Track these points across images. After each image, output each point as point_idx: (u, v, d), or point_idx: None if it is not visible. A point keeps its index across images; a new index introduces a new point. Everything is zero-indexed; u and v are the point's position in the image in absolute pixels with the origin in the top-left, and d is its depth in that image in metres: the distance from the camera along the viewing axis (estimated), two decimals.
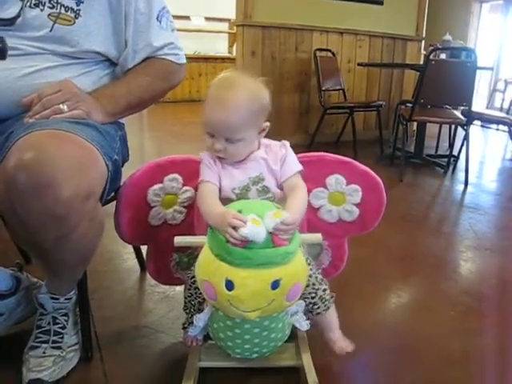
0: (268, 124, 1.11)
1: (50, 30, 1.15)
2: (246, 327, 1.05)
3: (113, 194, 1.23)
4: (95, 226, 1.05)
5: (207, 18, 8.81)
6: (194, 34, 8.57)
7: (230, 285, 0.94)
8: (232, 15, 5.12)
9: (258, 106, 1.07)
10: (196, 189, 1.23)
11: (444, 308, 1.66)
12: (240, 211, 0.96)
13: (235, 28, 4.81)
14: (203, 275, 1.00)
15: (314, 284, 1.22)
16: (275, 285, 0.95)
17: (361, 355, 1.38)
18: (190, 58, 8.00)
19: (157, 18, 1.29)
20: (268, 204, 1.03)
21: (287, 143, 1.15)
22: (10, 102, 1.13)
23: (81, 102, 1.12)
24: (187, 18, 8.50)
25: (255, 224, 0.92)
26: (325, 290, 1.24)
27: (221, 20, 8.95)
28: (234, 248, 0.93)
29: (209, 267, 0.98)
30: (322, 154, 1.30)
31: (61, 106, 1.08)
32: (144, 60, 1.30)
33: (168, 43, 1.32)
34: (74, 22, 1.17)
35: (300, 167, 1.13)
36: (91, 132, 1.07)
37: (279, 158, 1.13)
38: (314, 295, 1.21)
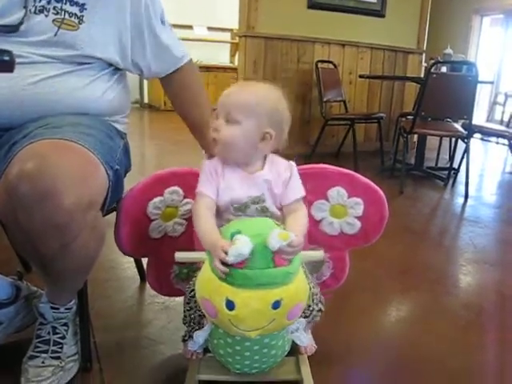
0: (272, 133, 1.08)
1: (55, 35, 1.15)
2: (246, 344, 1.05)
3: (114, 204, 1.23)
4: (96, 235, 1.05)
5: (209, 28, 8.85)
6: (196, 44, 8.59)
7: (230, 305, 0.94)
8: (234, 25, 5.16)
9: (268, 107, 1.07)
10: None
11: (444, 322, 1.65)
12: (239, 232, 0.96)
13: (237, 38, 4.84)
14: (204, 293, 1.00)
15: (309, 306, 1.21)
16: (276, 305, 0.95)
17: (361, 369, 1.39)
18: None
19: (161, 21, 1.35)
20: (269, 222, 1.03)
21: (294, 165, 1.14)
22: (14, 111, 1.13)
23: None
24: (190, 27, 8.55)
25: (236, 247, 0.92)
26: (320, 311, 1.25)
27: (223, 30, 8.99)
28: (235, 269, 0.93)
29: (209, 286, 0.98)
30: (324, 166, 1.30)
31: None
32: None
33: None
34: (78, 28, 1.18)
35: (302, 193, 1.13)
36: (92, 141, 1.07)
37: (282, 181, 1.12)
38: (307, 315, 1.21)
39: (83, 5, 1.18)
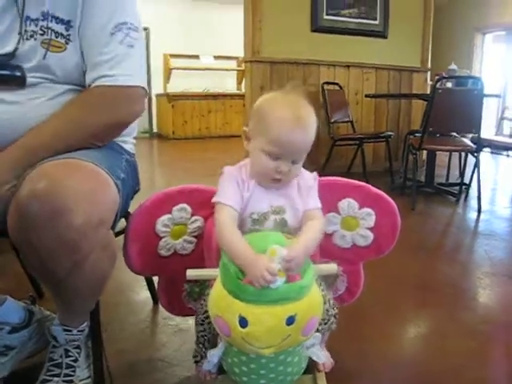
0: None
1: (44, 58, 1.13)
2: (261, 362, 1.02)
3: (123, 225, 1.22)
4: (107, 254, 1.05)
5: (216, 57, 9.01)
6: (203, 73, 8.77)
7: (243, 322, 0.93)
8: (239, 53, 5.23)
9: (314, 134, 1.06)
10: (205, 218, 1.22)
11: (463, 337, 1.61)
12: None
13: (243, 65, 4.90)
14: (216, 311, 0.98)
15: (327, 310, 1.19)
16: (290, 320, 0.93)
17: None
18: (199, 96, 8.17)
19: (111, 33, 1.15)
20: (276, 237, 1.02)
21: (317, 177, 1.15)
22: (21, 136, 1.13)
23: None
24: (196, 57, 8.72)
25: (281, 277, 0.92)
26: (335, 316, 1.22)
27: (229, 58, 9.15)
28: (247, 286, 0.92)
29: (221, 303, 0.97)
30: (334, 178, 1.29)
31: None
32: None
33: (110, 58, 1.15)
34: (66, 48, 1.15)
35: (319, 205, 1.13)
36: (97, 155, 1.07)
37: (306, 188, 1.11)
38: (326, 321, 1.19)
39: (69, 22, 1.14)
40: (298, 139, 1.02)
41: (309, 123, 1.03)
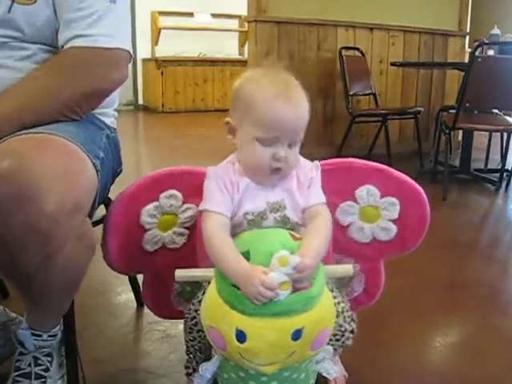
0: None
1: (9, 11, 1.12)
2: (262, 380, 1.01)
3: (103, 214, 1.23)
4: (84, 244, 1.06)
5: (214, 15, 8.93)
6: (198, 33, 8.70)
7: (241, 336, 0.92)
8: (243, 11, 5.19)
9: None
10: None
11: (500, 347, 1.63)
12: (247, 252, 0.95)
13: (247, 25, 4.87)
14: (209, 321, 0.98)
15: (341, 326, 1.19)
16: (297, 335, 0.92)
17: None
18: (193, 61, 8.07)
19: None
20: (280, 237, 1.01)
21: (319, 166, 1.14)
22: None
23: None
24: (190, 14, 8.64)
25: (285, 290, 0.91)
26: (352, 332, 1.22)
27: (230, 17, 9.08)
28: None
29: (216, 312, 0.97)
30: (351, 160, 1.29)
31: None
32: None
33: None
34: (35, 1, 1.13)
35: (324, 199, 1.12)
36: (73, 130, 1.08)
37: (307, 181, 1.10)
38: (338, 337, 1.19)
39: None
40: (290, 115, 1.02)
41: (298, 97, 1.05)
